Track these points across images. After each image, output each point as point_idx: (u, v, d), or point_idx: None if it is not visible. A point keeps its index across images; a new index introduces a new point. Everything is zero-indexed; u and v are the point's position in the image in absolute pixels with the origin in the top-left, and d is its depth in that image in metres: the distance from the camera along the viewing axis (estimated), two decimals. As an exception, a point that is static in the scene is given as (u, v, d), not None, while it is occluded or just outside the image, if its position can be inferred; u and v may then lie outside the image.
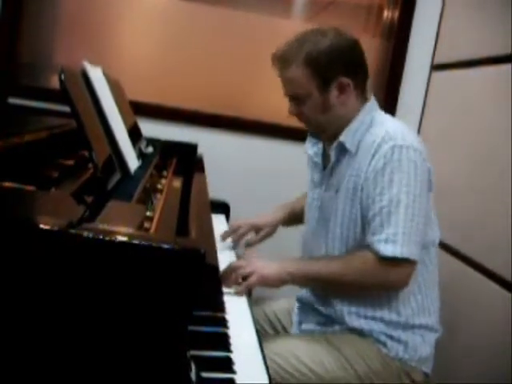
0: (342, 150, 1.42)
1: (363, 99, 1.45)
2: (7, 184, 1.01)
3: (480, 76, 2.03)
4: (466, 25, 2.24)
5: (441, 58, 2.42)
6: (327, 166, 1.48)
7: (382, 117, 1.44)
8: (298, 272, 1.38)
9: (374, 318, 1.40)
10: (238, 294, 1.33)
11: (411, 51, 2.55)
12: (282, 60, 1.40)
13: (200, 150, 2.27)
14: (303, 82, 1.38)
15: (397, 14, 2.57)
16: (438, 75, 2.41)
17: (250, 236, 1.76)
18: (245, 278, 1.36)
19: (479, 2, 2.15)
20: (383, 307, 1.40)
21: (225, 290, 1.30)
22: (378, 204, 1.33)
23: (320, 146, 1.56)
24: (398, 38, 2.56)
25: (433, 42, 2.47)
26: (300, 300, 1.57)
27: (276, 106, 2.58)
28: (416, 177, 1.32)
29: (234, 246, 1.71)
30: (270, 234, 1.75)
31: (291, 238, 1.79)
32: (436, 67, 2.45)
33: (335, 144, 1.42)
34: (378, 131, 1.37)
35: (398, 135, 1.34)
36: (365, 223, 1.37)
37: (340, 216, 1.42)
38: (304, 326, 1.52)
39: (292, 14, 2.67)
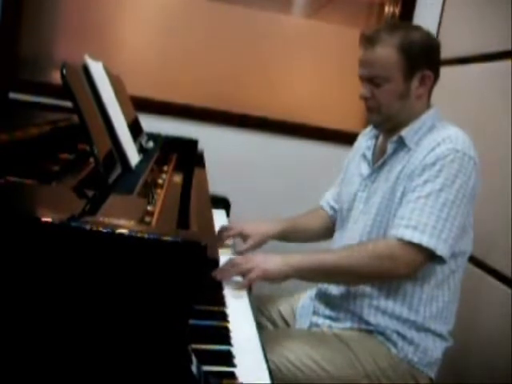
0: (400, 145, 1.44)
1: (429, 102, 1.48)
2: (9, 178, 1.01)
3: (480, 72, 2.03)
4: (466, 21, 2.24)
5: (441, 54, 2.42)
6: (379, 159, 1.49)
7: (446, 123, 1.45)
8: (302, 264, 1.33)
9: (391, 315, 1.39)
10: (238, 289, 1.30)
11: (412, 47, 2.55)
12: (372, 39, 1.40)
13: (200, 146, 2.27)
14: (390, 64, 1.39)
15: (397, 10, 2.58)
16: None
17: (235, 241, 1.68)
18: (245, 275, 1.32)
19: (480, -1, 2.15)
20: (404, 304, 1.39)
21: (225, 286, 1.28)
22: (416, 193, 1.33)
23: (373, 141, 1.57)
24: (399, 34, 2.56)
25: (433, 39, 2.47)
26: (319, 290, 1.54)
27: (277, 102, 2.60)
28: (462, 183, 1.32)
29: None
30: (257, 245, 1.63)
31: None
32: (436, 63, 2.44)
33: (395, 138, 1.44)
34: (441, 133, 1.39)
35: (460, 140, 1.35)
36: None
37: (384, 205, 1.42)
38: (314, 319, 1.51)
39: (293, 10, 2.67)
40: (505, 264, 1.69)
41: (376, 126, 1.54)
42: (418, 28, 1.46)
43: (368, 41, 1.41)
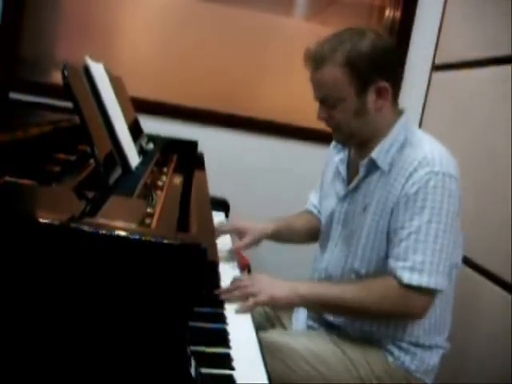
0: (373, 167, 1.37)
1: (396, 111, 1.40)
2: (8, 179, 1.01)
3: (480, 77, 2.03)
4: (466, 25, 2.24)
5: (442, 59, 2.42)
6: (352, 180, 1.43)
7: (418, 135, 1.38)
8: (310, 295, 1.29)
9: (386, 335, 1.38)
10: (244, 311, 1.22)
11: (412, 51, 2.55)
12: (316, 60, 1.32)
13: (200, 148, 2.27)
14: (340, 83, 1.30)
15: (398, 14, 2.58)
16: (439, 75, 2.42)
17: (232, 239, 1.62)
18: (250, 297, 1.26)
19: (480, 3, 2.15)
20: (397, 328, 1.37)
21: (229, 306, 1.22)
22: (406, 230, 1.28)
23: (346, 153, 1.50)
24: (400, 38, 2.56)
25: (434, 43, 2.48)
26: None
27: (277, 104, 2.60)
28: (449, 206, 1.27)
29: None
30: (254, 242, 1.58)
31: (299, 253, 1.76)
32: (437, 67, 2.45)
33: (366, 160, 1.37)
34: (415, 153, 1.31)
35: (436, 161, 1.28)
36: (390, 248, 1.32)
37: (365, 237, 1.37)
38: (310, 323, 1.50)
39: (294, 13, 2.67)
40: (504, 269, 1.69)
41: (342, 144, 1.48)
42: (366, 34, 1.32)
43: (312, 61, 1.33)
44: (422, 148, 1.32)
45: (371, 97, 1.33)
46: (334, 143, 1.57)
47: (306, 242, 1.72)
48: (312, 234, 1.69)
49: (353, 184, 1.42)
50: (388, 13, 2.63)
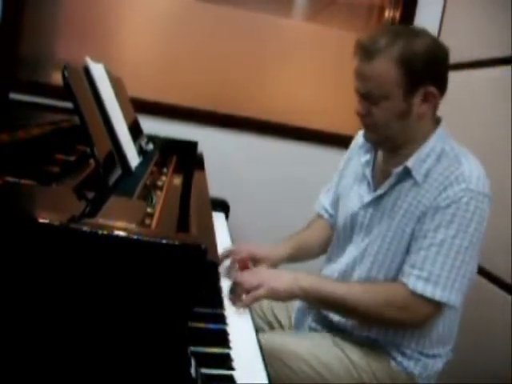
0: (406, 176, 1.32)
1: (435, 120, 1.35)
2: (8, 179, 1.01)
3: (481, 77, 2.03)
4: (467, 26, 2.24)
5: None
6: (379, 185, 1.39)
7: (456, 149, 1.33)
8: (311, 289, 1.27)
9: (392, 343, 1.37)
10: (243, 306, 1.23)
11: (412, 52, 2.55)
12: (368, 51, 1.26)
13: (200, 148, 2.27)
14: (389, 80, 1.25)
15: (398, 14, 2.58)
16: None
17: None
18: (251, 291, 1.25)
19: (480, 4, 2.15)
20: (404, 337, 1.35)
21: (229, 306, 1.21)
22: (428, 240, 1.25)
23: (372, 154, 1.45)
24: (399, 38, 2.56)
25: (433, 43, 2.48)
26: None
27: (277, 105, 2.60)
28: (477, 225, 1.25)
29: (227, 272, 1.43)
30: None
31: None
32: (436, 68, 2.45)
33: (400, 168, 1.32)
34: (452, 167, 1.28)
35: (473, 178, 1.26)
36: (406, 254, 1.30)
37: (387, 244, 1.34)
38: (314, 325, 1.48)
39: (293, 13, 2.67)
40: (505, 270, 1.69)
41: (373, 145, 1.44)
42: (422, 34, 1.29)
43: (364, 52, 1.27)
44: (459, 163, 1.29)
45: (417, 100, 1.28)
46: (361, 142, 1.50)
47: (320, 255, 1.66)
48: (327, 244, 1.62)
49: (381, 191, 1.38)
50: (388, 13, 2.62)
